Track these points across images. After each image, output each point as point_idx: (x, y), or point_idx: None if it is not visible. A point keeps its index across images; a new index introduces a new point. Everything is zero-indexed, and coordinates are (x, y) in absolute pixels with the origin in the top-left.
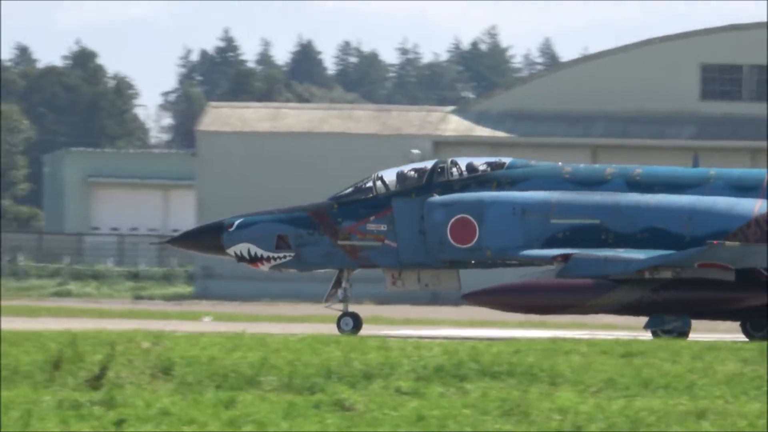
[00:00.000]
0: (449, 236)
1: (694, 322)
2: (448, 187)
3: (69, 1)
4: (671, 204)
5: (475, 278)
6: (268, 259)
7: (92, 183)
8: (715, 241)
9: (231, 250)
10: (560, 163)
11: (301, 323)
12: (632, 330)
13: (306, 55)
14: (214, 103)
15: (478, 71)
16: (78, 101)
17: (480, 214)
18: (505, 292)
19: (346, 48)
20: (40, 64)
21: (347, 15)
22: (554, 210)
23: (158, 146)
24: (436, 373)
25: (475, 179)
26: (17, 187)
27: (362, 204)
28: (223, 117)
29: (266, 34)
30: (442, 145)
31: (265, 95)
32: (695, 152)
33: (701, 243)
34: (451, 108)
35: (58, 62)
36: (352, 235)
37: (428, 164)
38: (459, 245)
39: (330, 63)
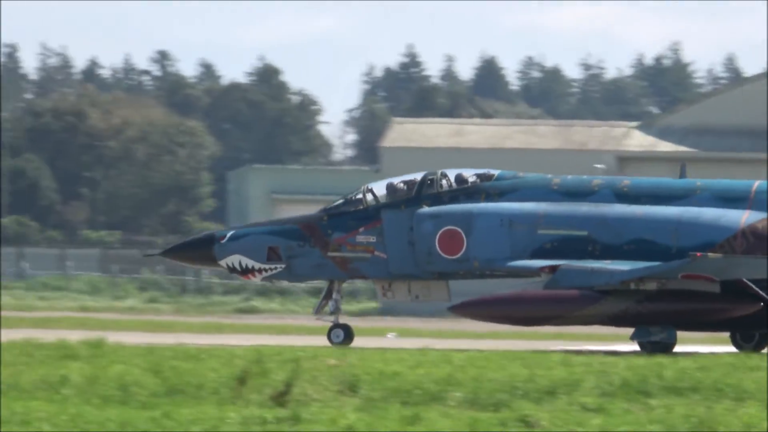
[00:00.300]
0: (437, 247)
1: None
2: (438, 198)
3: (253, 19)
4: (658, 215)
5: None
6: (260, 270)
7: (276, 199)
8: (698, 253)
9: (223, 262)
10: (549, 175)
11: (486, 339)
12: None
13: (489, 70)
14: (398, 119)
15: (661, 86)
16: (262, 118)
17: (468, 226)
18: (491, 304)
19: (529, 63)
20: (225, 81)
21: (530, 31)
22: (542, 221)
23: (342, 162)
24: (620, 389)
25: (464, 191)
26: (202, 204)
27: (352, 216)
28: (406, 133)
29: (450, 50)
30: (625, 160)
31: (449, 111)
32: (683, 162)
33: (687, 254)
34: (635, 123)
35: (243, 79)
36: (342, 246)
37: (418, 176)
38: (447, 256)
39: (513, 78)
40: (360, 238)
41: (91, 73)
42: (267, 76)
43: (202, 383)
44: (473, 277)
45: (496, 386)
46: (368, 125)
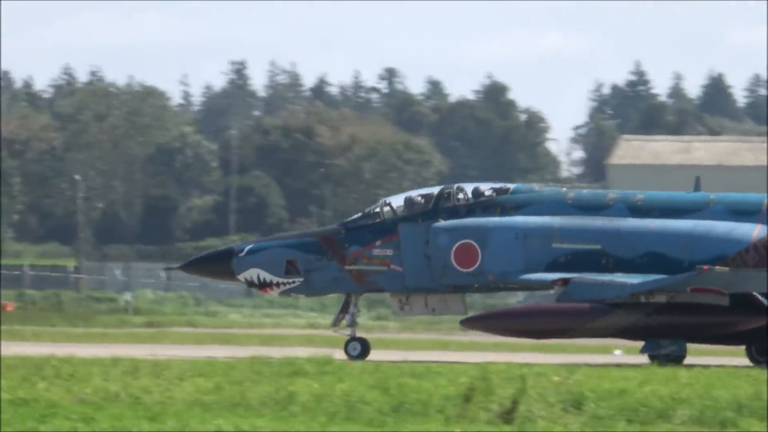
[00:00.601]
0: (453, 260)
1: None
2: (454, 212)
3: (481, 37)
4: (670, 229)
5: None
6: (278, 284)
7: None
8: (705, 266)
9: (241, 276)
10: (564, 189)
11: (712, 356)
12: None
13: (716, 88)
14: (626, 136)
15: None
16: (489, 135)
17: (483, 239)
18: (504, 317)
19: (756, 81)
20: (452, 98)
21: (757, 48)
22: (556, 235)
23: (569, 180)
24: None
25: (479, 204)
26: None
27: (369, 229)
28: (634, 150)
29: (677, 68)
30: None
31: (676, 128)
32: (698, 176)
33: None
34: None
35: (470, 96)
36: (359, 260)
37: (435, 190)
38: (462, 269)
39: (740, 96)
40: (376, 252)
41: (319, 90)
42: (494, 93)
43: (428, 400)
44: (488, 290)
45: (723, 404)
46: (595, 142)
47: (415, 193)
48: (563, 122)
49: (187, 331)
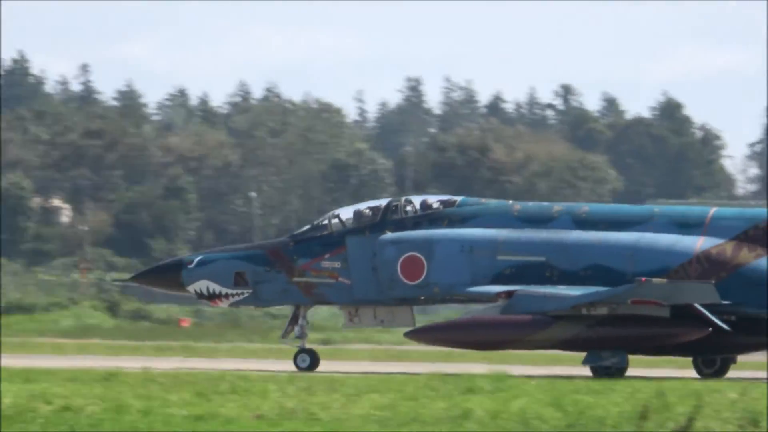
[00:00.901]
0: (399, 273)
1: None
2: (401, 224)
3: (657, 54)
4: (614, 241)
5: None
6: (227, 296)
7: None
8: (642, 279)
9: (191, 288)
10: (511, 201)
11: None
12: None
13: None
14: None
15: None
16: (665, 152)
17: (429, 252)
18: (447, 330)
19: None
20: (628, 116)
21: None
22: (501, 247)
23: (744, 197)
24: None
25: (427, 217)
26: None
27: (317, 241)
28: None
29: None
30: None
31: None
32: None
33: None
34: None
35: (646, 113)
36: (307, 272)
37: (383, 202)
38: (408, 282)
39: None
40: (325, 264)
41: (495, 107)
42: (670, 110)
43: (603, 417)
44: (434, 302)
45: None
46: None
47: (363, 206)
48: (739, 139)
49: (362, 348)
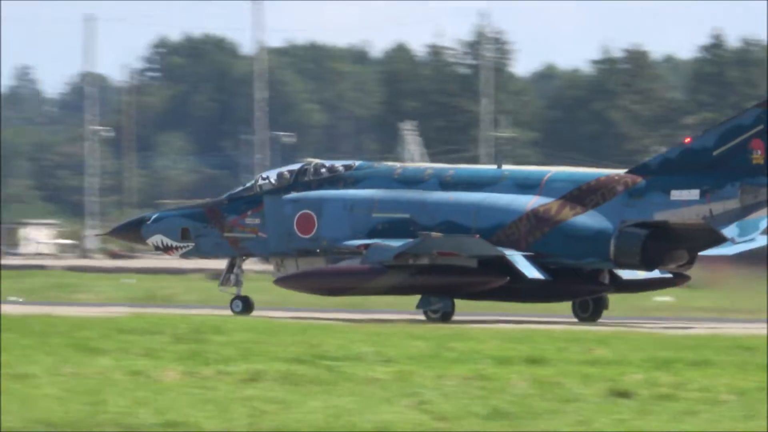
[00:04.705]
0: (296, 228)
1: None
2: (307, 185)
3: None
4: (464, 200)
5: None
6: (177, 248)
7: None
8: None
9: (149, 241)
10: (395, 164)
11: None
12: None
13: None
14: None
15: None
16: None
17: (319, 210)
18: (306, 277)
19: None
20: None
21: None
22: (376, 206)
23: None
24: None
25: (328, 179)
26: None
27: (245, 201)
28: None
29: None
30: None
31: None
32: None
33: (488, 234)
34: None
35: None
36: (235, 227)
37: (297, 166)
38: (303, 236)
39: None
40: (248, 221)
41: None
42: None
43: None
44: (324, 254)
45: None
46: None
47: (284, 169)
48: None
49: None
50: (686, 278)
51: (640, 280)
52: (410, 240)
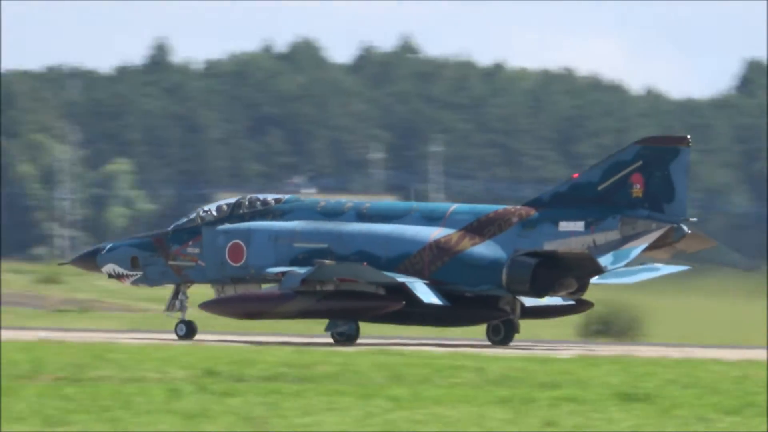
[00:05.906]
0: (227, 257)
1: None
2: (241, 218)
3: None
4: (375, 232)
5: None
6: (128, 276)
7: None
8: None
9: (103, 269)
10: (319, 198)
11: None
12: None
13: None
14: None
15: None
16: None
17: (248, 240)
18: (225, 302)
19: None
20: None
21: None
22: (297, 236)
23: None
24: None
25: (259, 212)
26: None
27: (187, 231)
28: None
29: None
30: None
31: None
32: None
33: (394, 264)
34: None
35: None
36: (178, 256)
37: (232, 200)
38: (234, 264)
39: None
40: (189, 250)
41: None
42: None
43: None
44: (254, 281)
45: None
46: None
47: (223, 202)
48: None
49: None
50: (589, 305)
51: (542, 307)
52: (311, 267)
